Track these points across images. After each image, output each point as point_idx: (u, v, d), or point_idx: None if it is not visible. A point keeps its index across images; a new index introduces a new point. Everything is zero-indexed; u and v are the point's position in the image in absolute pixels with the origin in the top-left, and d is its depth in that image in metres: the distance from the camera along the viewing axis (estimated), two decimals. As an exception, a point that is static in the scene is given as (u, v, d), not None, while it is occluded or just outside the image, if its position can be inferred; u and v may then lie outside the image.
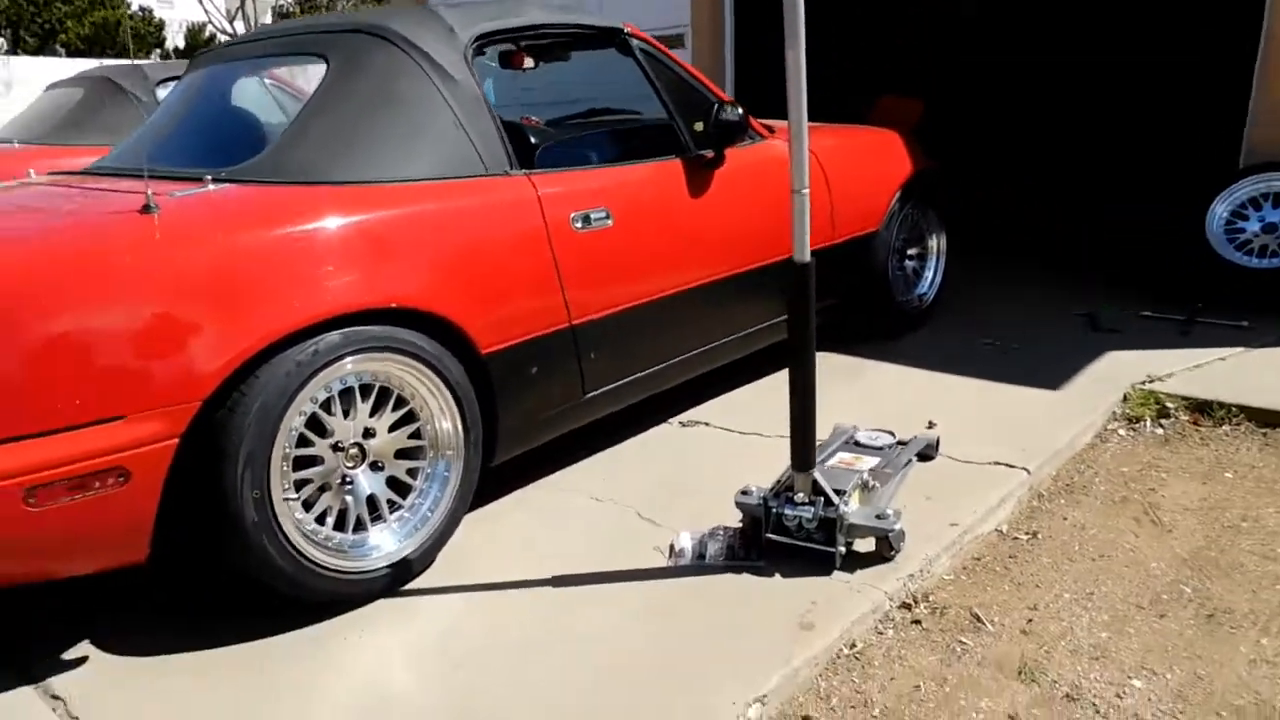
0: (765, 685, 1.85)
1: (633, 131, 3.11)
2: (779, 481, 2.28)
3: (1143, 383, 3.31)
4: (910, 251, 4.02)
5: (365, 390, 2.14)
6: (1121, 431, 3.12)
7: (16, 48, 24.87)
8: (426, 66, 2.37)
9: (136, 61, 5.38)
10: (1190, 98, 6.50)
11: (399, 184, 2.24)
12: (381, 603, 2.20)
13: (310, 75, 2.42)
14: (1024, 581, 2.30)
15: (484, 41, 2.53)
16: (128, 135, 3.20)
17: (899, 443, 2.76)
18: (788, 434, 2.84)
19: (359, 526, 2.17)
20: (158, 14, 28.22)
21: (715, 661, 1.93)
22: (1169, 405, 3.18)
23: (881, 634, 2.09)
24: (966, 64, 7.42)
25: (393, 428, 2.21)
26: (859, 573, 2.22)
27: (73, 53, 23.28)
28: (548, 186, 2.48)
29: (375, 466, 2.20)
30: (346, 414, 2.12)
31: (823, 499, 2.19)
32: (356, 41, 2.41)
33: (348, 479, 2.14)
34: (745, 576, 2.23)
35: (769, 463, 2.58)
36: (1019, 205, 6.18)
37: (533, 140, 2.76)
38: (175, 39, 28.48)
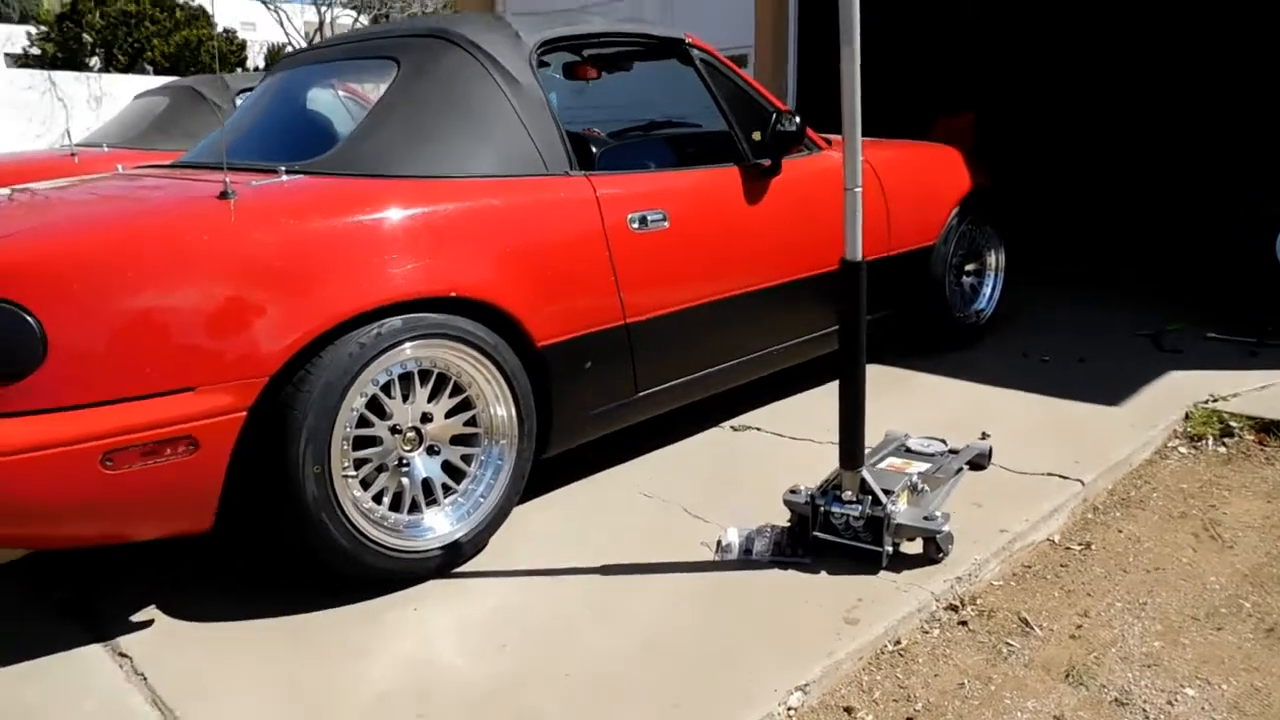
0: (807, 675, 1.86)
1: (692, 139, 3.16)
2: (827, 480, 2.29)
3: (1206, 402, 3.24)
4: (968, 267, 4.00)
5: (424, 376, 2.21)
6: (1182, 449, 3.05)
7: (109, 65, 26.04)
8: (492, 69, 2.45)
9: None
10: (1258, 110, 6.32)
11: (462, 179, 2.32)
12: (433, 583, 2.26)
13: (381, 77, 2.52)
14: (1075, 589, 2.27)
15: (548, 47, 2.61)
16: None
17: (950, 450, 2.74)
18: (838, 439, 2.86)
19: (414, 508, 2.24)
20: (240, 35, 29.30)
21: (758, 649, 1.94)
22: (1233, 424, 3.11)
23: (927, 633, 2.09)
24: (1027, 80, 7.33)
25: (450, 414, 2.28)
26: (905, 573, 2.21)
27: (159, 71, 24.27)
28: (606, 188, 2.54)
29: (432, 451, 2.27)
30: (406, 398, 2.19)
31: (870, 498, 2.20)
32: (426, 45, 2.51)
33: (405, 461, 2.21)
34: (791, 573, 2.24)
35: (818, 467, 2.59)
36: (1085, 223, 6.10)
37: (594, 144, 2.83)
38: (256, 59, 29.50)
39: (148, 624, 2.13)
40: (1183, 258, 5.46)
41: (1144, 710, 1.82)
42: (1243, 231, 4.19)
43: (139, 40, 25.26)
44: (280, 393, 1.98)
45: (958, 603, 2.18)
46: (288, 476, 1.98)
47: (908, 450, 2.72)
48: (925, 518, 2.23)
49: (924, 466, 2.59)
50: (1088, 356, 3.82)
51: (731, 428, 3.22)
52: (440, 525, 2.26)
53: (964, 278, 3.99)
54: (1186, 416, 3.19)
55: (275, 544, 2.22)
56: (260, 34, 30.20)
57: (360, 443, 2.13)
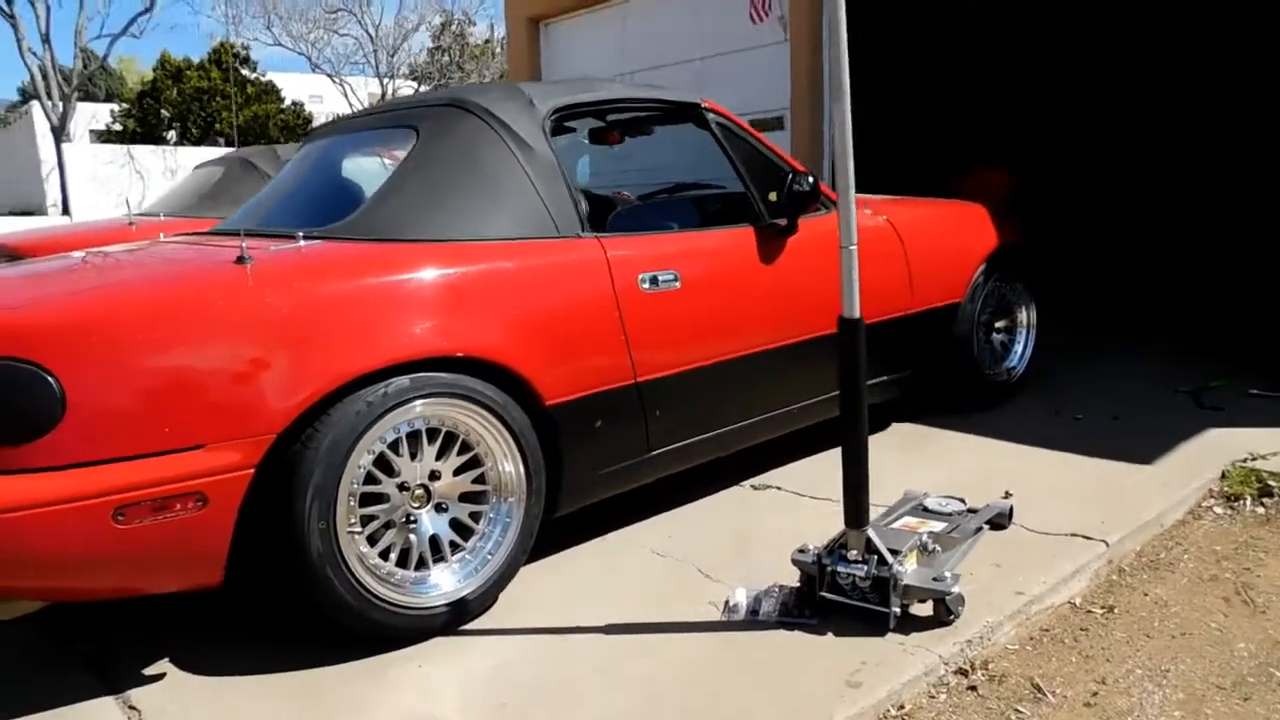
0: (803, 739, 1.82)
1: (708, 199, 3.22)
2: (834, 540, 2.27)
3: (1244, 460, 3.14)
4: (998, 324, 3.95)
5: (432, 434, 2.25)
6: (1218, 509, 2.95)
7: (183, 139, 27.38)
8: (505, 136, 2.54)
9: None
10: (1257, 106, 6.13)
11: (474, 242, 2.39)
12: (439, 639, 2.27)
13: (402, 146, 2.62)
14: (1093, 655, 2.19)
15: (562, 114, 2.69)
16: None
17: (969, 510, 2.69)
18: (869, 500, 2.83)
19: (421, 564, 2.27)
20: (309, 107, 30.60)
21: (759, 713, 1.91)
22: (1272, 484, 3.00)
23: (934, 698, 2.03)
24: (1060, 136, 7.27)
25: (458, 471, 2.31)
26: (914, 635, 2.16)
27: (230, 143, 25.42)
28: (617, 249, 2.59)
29: (440, 508, 2.30)
30: (414, 456, 2.24)
31: (876, 557, 2.17)
32: (443, 114, 2.62)
33: (412, 518, 2.24)
34: (797, 633, 2.20)
35: (836, 526, 2.55)
36: (1123, 280, 5.99)
37: (612, 206, 2.89)
38: (321, 131, 30.66)
39: (160, 677, 2.18)
40: (1182, 254, 5.33)
41: (1157, 783, 1.74)
42: (1243, 227, 4.09)
43: (211, 114, 26.50)
44: (288, 450, 2.04)
45: (968, 667, 2.12)
46: (294, 532, 2.03)
47: (924, 509, 2.68)
48: (935, 579, 2.19)
49: (939, 526, 2.54)
50: (1123, 414, 3.73)
51: (752, 486, 3.21)
52: (447, 582, 2.28)
53: (994, 335, 3.94)
54: (1223, 475, 3.08)
55: (283, 599, 2.26)
56: (327, 105, 31.49)
57: (367, 499, 2.17)
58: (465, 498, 2.34)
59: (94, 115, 29.05)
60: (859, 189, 4.68)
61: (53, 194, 23.95)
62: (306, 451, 2.04)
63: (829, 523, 2.72)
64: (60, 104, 24.89)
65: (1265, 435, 3.36)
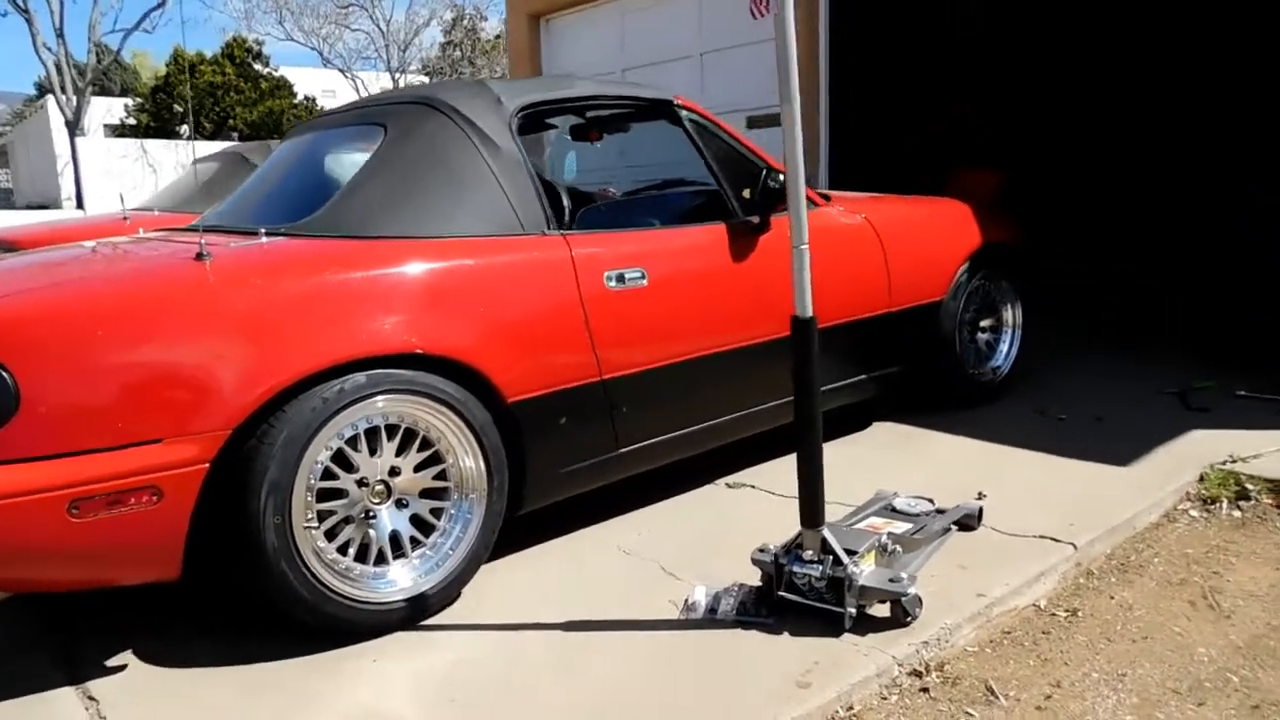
0: (747, 739, 1.82)
1: (681, 196, 3.20)
2: (792, 540, 2.26)
3: (1224, 462, 3.11)
4: (983, 323, 3.93)
5: (392, 430, 2.26)
6: (1193, 512, 2.93)
7: (197, 133, 27.53)
8: (471, 133, 2.54)
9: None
10: (1255, 105, 6.05)
11: (436, 240, 2.39)
12: (400, 635, 2.28)
13: (372, 143, 2.63)
14: (1052, 658, 2.18)
15: (529, 111, 2.69)
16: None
17: (937, 511, 2.68)
18: (837, 502, 2.84)
19: (381, 560, 2.28)
20: (321, 102, 30.71)
21: (707, 711, 1.91)
22: (1249, 487, 2.97)
23: (885, 699, 2.03)
24: (1059, 135, 7.20)
25: (419, 467, 2.32)
26: (870, 636, 2.16)
27: (244, 138, 25.56)
28: (583, 247, 2.59)
29: (400, 504, 2.31)
30: (373, 452, 2.24)
31: (831, 558, 2.16)
32: (411, 111, 2.62)
33: (371, 513, 2.25)
34: (753, 633, 2.20)
35: (801, 524, 2.56)
36: (1114, 280, 5.93)
37: (578, 204, 2.89)
38: (333, 126, 30.77)
39: (121, 668, 2.19)
40: (1180, 253, 5.29)
41: (1100, 787, 1.73)
42: (1241, 225, 4.05)
43: (225, 109, 26.64)
44: (244, 445, 2.05)
45: (922, 668, 2.12)
46: (248, 527, 2.04)
47: (892, 510, 2.67)
48: (891, 580, 2.18)
49: (903, 527, 2.54)
50: (1107, 414, 3.71)
51: (726, 484, 3.20)
52: (407, 578, 2.29)
53: (979, 334, 3.92)
54: (1201, 478, 3.06)
55: (240, 593, 2.27)
56: (340, 100, 31.60)
57: (326, 495, 2.18)
58: (426, 494, 2.35)
59: (109, 110, 29.26)
60: (849, 187, 4.66)
61: (68, 188, 24.16)
62: (262, 447, 2.05)
63: (799, 522, 2.72)
64: (75, 98, 25.09)
65: (1248, 437, 3.33)
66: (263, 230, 2.34)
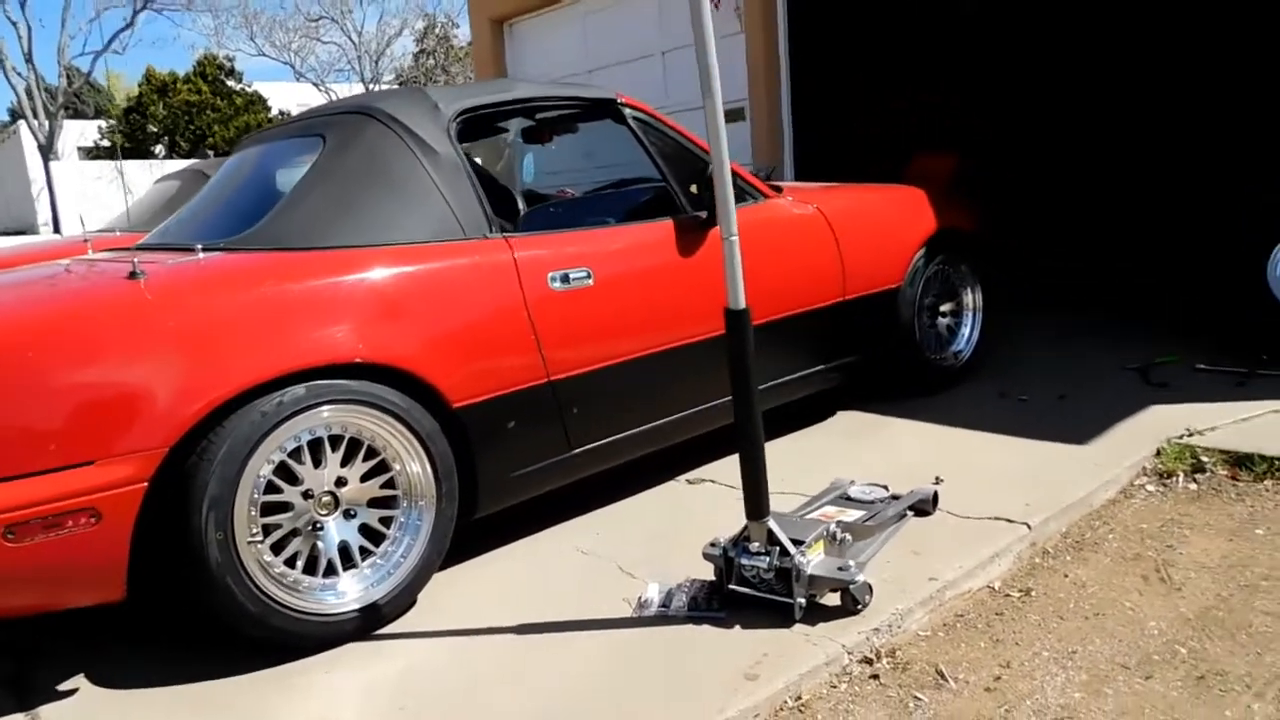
0: (692, 733, 1.82)
1: (629, 194, 3.20)
2: (740, 532, 2.26)
3: (1180, 436, 3.13)
4: (943, 308, 3.94)
5: (336, 440, 2.25)
6: (1150, 487, 2.94)
7: (172, 152, 27.41)
8: (409, 140, 2.54)
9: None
10: (1255, 105, 6.10)
11: (374, 248, 2.38)
12: (353, 645, 2.27)
13: (312, 154, 2.62)
14: (1003, 639, 2.19)
15: (467, 115, 2.68)
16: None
17: (892, 497, 2.69)
18: (795, 492, 2.83)
19: (330, 571, 2.27)
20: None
21: (654, 709, 1.91)
22: (1205, 459, 2.99)
23: (835, 688, 2.03)
24: (1057, 134, 7.20)
25: (365, 477, 2.31)
26: (821, 625, 2.16)
27: (220, 154, 25.46)
28: (525, 249, 2.59)
29: (348, 514, 2.30)
30: (318, 463, 2.24)
31: (778, 549, 2.16)
32: (349, 121, 2.61)
33: (319, 525, 2.24)
34: (704, 627, 2.20)
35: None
36: (1076, 257, 5.95)
37: (522, 206, 2.89)
38: (310, 139, 30.69)
39: (72, 692, 2.18)
40: (1180, 253, 5.31)
41: (1043, 765, 1.74)
42: (1240, 226, 4.06)
43: (200, 127, 26.53)
44: (184, 463, 2.04)
45: (873, 655, 2.12)
46: (191, 544, 2.03)
47: (847, 498, 2.68)
48: (840, 568, 2.19)
49: (857, 514, 2.54)
50: (1069, 393, 3.72)
51: (687, 480, 3.20)
52: (357, 589, 2.28)
53: (939, 319, 3.93)
54: (1158, 452, 3.07)
55: (187, 610, 2.26)
56: (316, 114, 31.40)
57: (271, 509, 2.17)
58: (375, 503, 2.34)
59: (82, 132, 29.10)
60: (814, 177, 4.66)
61: (44, 213, 24.02)
62: (201, 464, 2.04)
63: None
64: (47, 122, 24.94)
65: (1206, 410, 3.35)
66: (199, 246, 2.32)
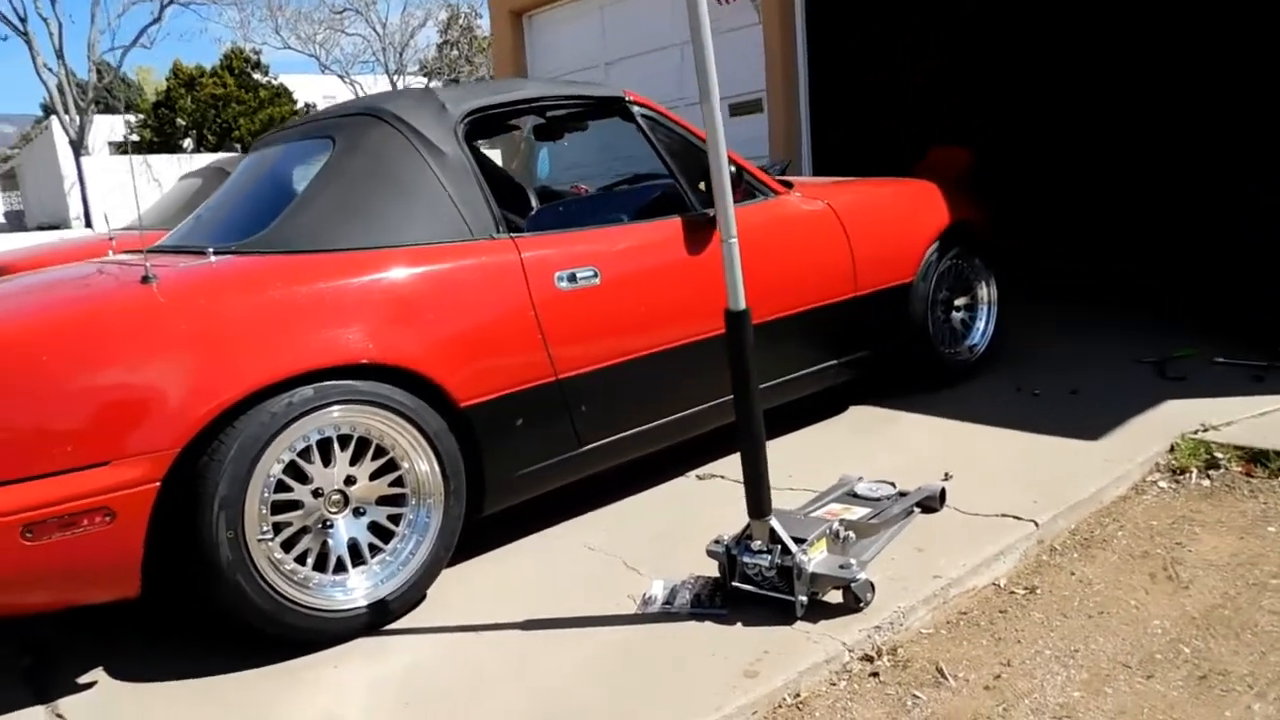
0: (690, 730, 1.85)
1: (638, 192, 3.22)
2: (744, 530, 2.28)
3: (1195, 432, 3.10)
4: (958, 302, 3.92)
5: (345, 440, 2.29)
6: (1162, 484, 2.92)
7: (200, 146, 27.72)
8: (416, 142, 2.57)
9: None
10: (1256, 104, 6.00)
11: (382, 250, 2.42)
12: (363, 640, 2.31)
13: (322, 156, 2.66)
14: (1005, 637, 2.19)
15: (475, 116, 2.71)
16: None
17: (899, 494, 2.69)
18: (804, 488, 2.84)
19: (340, 568, 2.31)
20: (322, 108, 30.81)
21: (653, 706, 1.94)
22: (1219, 455, 2.96)
23: (834, 685, 2.05)
24: (1057, 134, 7.13)
25: (374, 475, 2.35)
26: (822, 623, 2.17)
27: (246, 148, 25.73)
28: (532, 249, 2.61)
29: (358, 512, 2.34)
30: (327, 462, 2.28)
31: (780, 547, 2.18)
32: (357, 123, 2.65)
33: (329, 523, 2.29)
34: (707, 625, 2.22)
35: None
36: (1076, 257, 5.88)
37: (535, 203, 2.91)
38: (335, 132, 30.92)
39: (90, 685, 2.24)
40: (1182, 252, 5.25)
41: (1038, 765, 1.75)
42: (1240, 225, 4.01)
43: (226, 121, 26.79)
44: (195, 463, 2.09)
45: (874, 653, 2.13)
46: (202, 542, 2.08)
47: (853, 495, 2.69)
48: (841, 566, 2.20)
49: (863, 512, 2.55)
50: (1083, 388, 3.69)
51: (696, 476, 3.22)
52: (366, 585, 2.32)
53: (954, 313, 3.92)
54: (1171, 448, 3.05)
55: (199, 606, 2.31)
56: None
57: (281, 507, 2.21)
58: (384, 501, 2.38)
59: (112, 128, 29.49)
60: (831, 172, 4.64)
61: (76, 207, 24.40)
62: (212, 463, 2.09)
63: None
64: (78, 118, 25.30)
65: (1223, 405, 3.32)
66: (211, 250, 2.37)
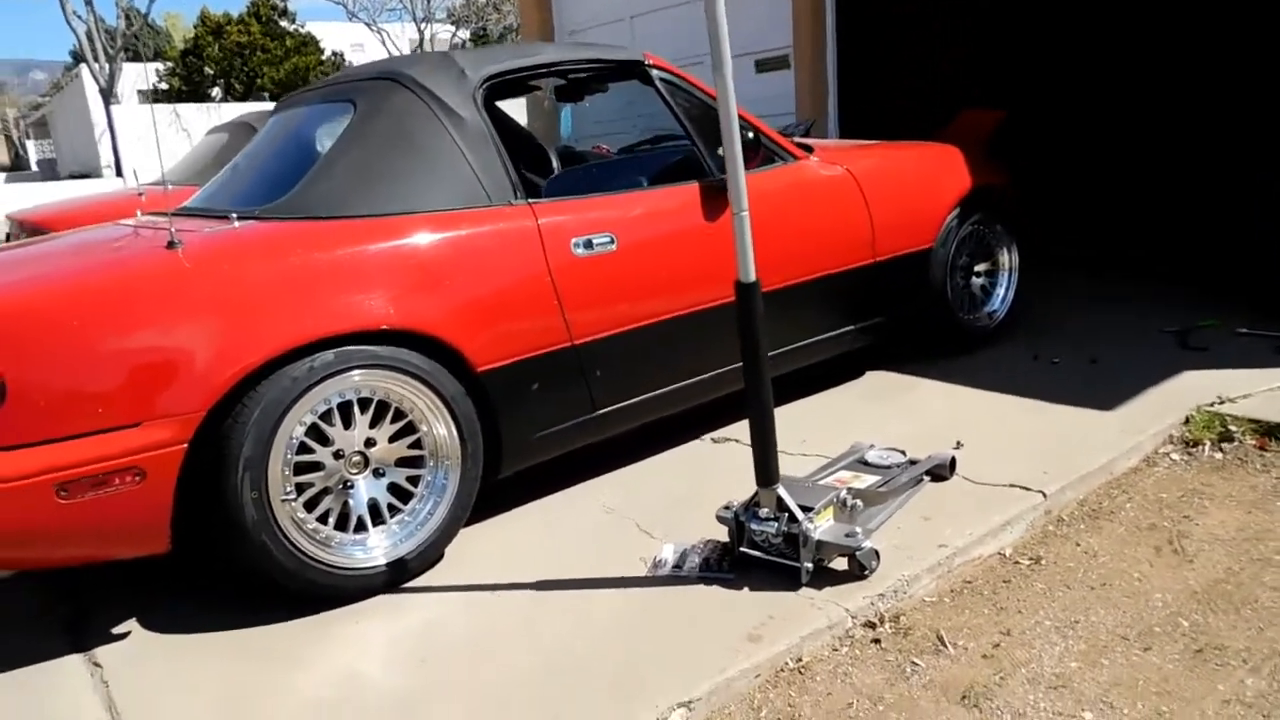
0: (694, 691, 1.91)
1: (656, 157, 3.22)
2: (752, 497, 2.33)
3: (1211, 404, 3.10)
4: (978, 268, 3.90)
5: (365, 403, 2.36)
6: (1174, 456, 2.93)
7: (228, 94, 27.75)
8: (435, 107, 2.59)
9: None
10: (1268, 93, 5.89)
11: (401, 216, 2.45)
12: (382, 597, 2.40)
13: (344, 120, 2.69)
14: (1007, 607, 2.24)
15: (494, 81, 2.72)
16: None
17: (909, 462, 2.72)
18: (816, 454, 2.88)
19: (360, 527, 2.39)
20: (349, 56, 30.68)
21: (657, 667, 2.00)
22: (1233, 428, 2.96)
23: (836, 650, 2.10)
24: (1070, 123, 7.03)
25: (393, 438, 2.42)
26: (827, 589, 2.23)
27: (274, 97, 25.70)
28: (549, 215, 2.64)
29: (378, 473, 2.42)
30: (348, 425, 2.34)
31: (786, 515, 2.22)
32: (377, 87, 2.67)
33: (349, 483, 2.36)
34: (714, 588, 2.28)
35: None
36: (1089, 246, 5.83)
37: (557, 165, 2.92)
38: (362, 81, 30.77)
39: (125, 636, 2.35)
40: (1195, 240, 5.20)
41: (1031, 733, 1.80)
42: (1252, 214, 3.96)
43: (253, 69, 26.74)
44: (220, 425, 2.16)
45: (876, 620, 2.19)
46: (227, 502, 2.16)
47: (864, 463, 2.72)
48: (847, 534, 2.24)
49: (872, 479, 2.59)
50: (1104, 357, 3.68)
51: (712, 439, 3.27)
52: (386, 544, 2.40)
53: (974, 279, 3.90)
54: (1186, 420, 3.05)
55: (225, 563, 2.40)
56: (369, 53, 31.52)
57: (303, 468, 2.29)
58: (403, 462, 2.45)
59: (143, 75, 29.54)
60: (858, 134, 4.60)
61: (106, 155, 24.57)
62: (236, 426, 2.16)
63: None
64: (108, 66, 25.37)
65: (1242, 376, 3.30)
66: (234, 215, 2.42)
